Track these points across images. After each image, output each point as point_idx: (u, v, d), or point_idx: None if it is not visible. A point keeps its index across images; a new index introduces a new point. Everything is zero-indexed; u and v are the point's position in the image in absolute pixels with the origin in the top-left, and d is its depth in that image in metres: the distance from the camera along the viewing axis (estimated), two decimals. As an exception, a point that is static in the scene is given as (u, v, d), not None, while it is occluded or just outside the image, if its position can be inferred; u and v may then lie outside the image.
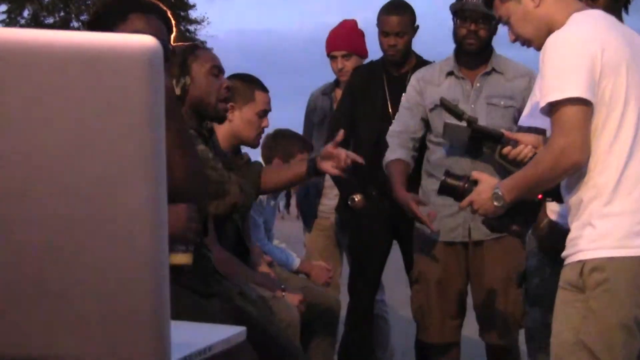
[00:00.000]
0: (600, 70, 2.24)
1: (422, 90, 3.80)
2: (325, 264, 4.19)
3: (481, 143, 3.34)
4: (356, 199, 4.14)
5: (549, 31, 2.37)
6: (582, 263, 2.27)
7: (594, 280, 2.25)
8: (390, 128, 3.88)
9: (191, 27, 29.71)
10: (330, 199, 4.58)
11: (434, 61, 4.18)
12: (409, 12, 4.14)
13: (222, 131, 3.52)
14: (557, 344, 2.31)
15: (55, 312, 1.10)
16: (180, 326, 1.27)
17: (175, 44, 2.98)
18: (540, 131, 2.95)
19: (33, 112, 1.04)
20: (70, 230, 1.07)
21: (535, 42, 2.46)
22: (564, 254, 2.34)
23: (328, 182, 4.53)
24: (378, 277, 4.25)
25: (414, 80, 3.86)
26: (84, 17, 28.67)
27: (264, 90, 3.65)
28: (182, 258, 2.46)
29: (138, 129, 1.02)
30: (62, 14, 28.98)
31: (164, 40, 2.39)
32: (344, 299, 4.21)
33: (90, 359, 1.11)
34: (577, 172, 2.28)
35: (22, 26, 28.83)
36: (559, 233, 2.65)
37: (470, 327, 3.89)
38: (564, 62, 2.26)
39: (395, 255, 4.25)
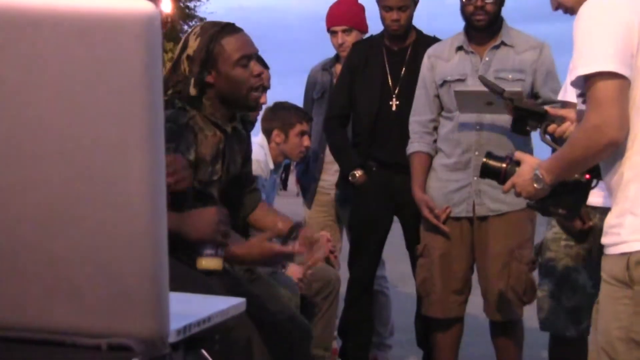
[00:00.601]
0: (637, 39, 2.06)
1: (433, 66, 3.79)
2: (326, 234, 4.19)
3: (524, 121, 3.14)
4: (357, 175, 4.13)
5: None
6: (627, 256, 2.08)
7: None
8: (411, 116, 3.88)
9: (191, 4, 29.56)
10: (330, 174, 4.56)
11: (434, 36, 4.16)
12: None
13: None
14: (607, 342, 2.12)
15: (53, 283, 1.10)
16: (179, 297, 1.26)
17: (202, 23, 2.89)
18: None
19: (31, 78, 1.03)
20: (67, 199, 1.06)
21: (576, 9, 2.25)
22: (604, 241, 2.18)
23: (328, 157, 4.52)
24: (379, 253, 4.24)
25: (425, 58, 3.86)
26: None
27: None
28: (211, 263, 2.44)
29: (136, 93, 1.01)
30: None
31: None
32: (344, 275, 4.21)
33: (87, 329, 1.11)
34: (614, 150, 2.10)
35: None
36: None
37: (476, 304, 3.89)
38: (596, 31, 2.09)
39: (396, 231, 4.24)
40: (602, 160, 2.20)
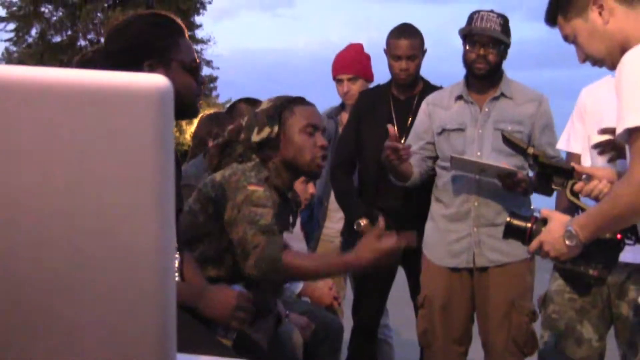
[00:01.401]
0: None
1: (431, 114, 3.81)
2: (329, 281, 4.18)
3: (550, 178, 2.97)
4: (362, 223, 4.13)
5: (623, 49, 2.18)
6: None
7: None
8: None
9: (198, 47, 29.81)
10: (334, 222, 4.56)
11: (441, 85, 4.19)
12: (419, 36, 4.15)
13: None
14: None
15: (57, 345, 1.09)
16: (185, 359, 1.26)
17: (274, 100, 2.97)
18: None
19: (43, 147, 1.04)
20: (75, 263, 1.07)
21: (607, 61, 2.26)
22: None
23: (333, 205, 4.52)
24: (383, 302, 4.23)
25: (424, 105, 3.87)
26: (90, 36, 28.79)
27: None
28: None
29: (147, 163, 1.03)
30: (69, 32, 29.11)
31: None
32: (348, 323, 4.19)
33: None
34: None
35: (29, 45, 28.95)
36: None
37: (478, 354, 3.87)
38: None
39: (399, 278, 4.23)
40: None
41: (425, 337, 3.80)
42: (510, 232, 2.50)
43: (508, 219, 2.53)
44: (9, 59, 28.38)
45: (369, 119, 4.23)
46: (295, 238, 3.68)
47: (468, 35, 3.69)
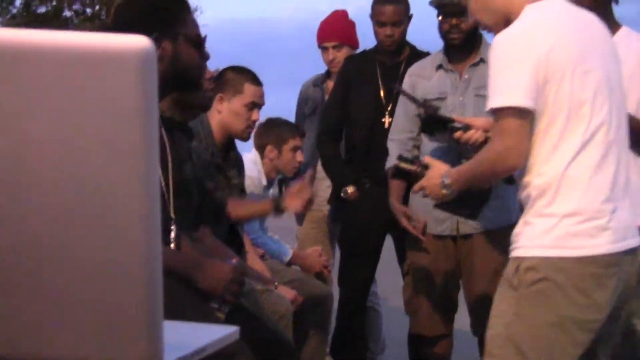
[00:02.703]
0: (544, 75, 2.23)
1: (414, 85, 3.79)
2: (318, 248, 4.20)
3: (434, 128, 3.39)
4: (349, 191, 4.13)
5: (507, 20, 2.35)
6: (520, 261, 2.29)
7: (528, 279, 2.25)
8: (390, 132, 3.87)
9: (184, 16, 29.57)
10: (322, 190, 4.56)
11: (427, 51, 4.16)
12: (404, 1, 4.12)
13: (214, 122, 3.51)
14: (489, 336, 2.33)
15: (46, 312, 1.10)
16: (172, 326, 1.26)
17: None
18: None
19: (28, 109, 1.04)
20: (62, 229, 1.07)
21: (494, 29, 2.45)
22: (510, 247, 2.37)
23: (320, 173, 4.52)
24: (372, 270, 4.24)
25: (407, 77, 3.85)
26: (76, 7, 28.54)
27: (255, 83, 3.63)
28: None
29: (132, 125, 1.02)
30: (54, 3, 28.85)
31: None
32: (336, 291, 4.20)
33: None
34: (514, 172, 2.36)
35: (13, 16, 28.69)
36: None
37: (465, 320, 3.89)
38: (507, 66, 2.26)
39: (387, 244, 4.24)
40: (502, 179, 2.58)
41: (410, 304, 3.82)
42: (399, 174, 2.89)
43: (396, 161, 2.86)
44: (-6, 30, 28.14)
45: (356, 85, 4.21)
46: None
47: (440, 6, 3.67)
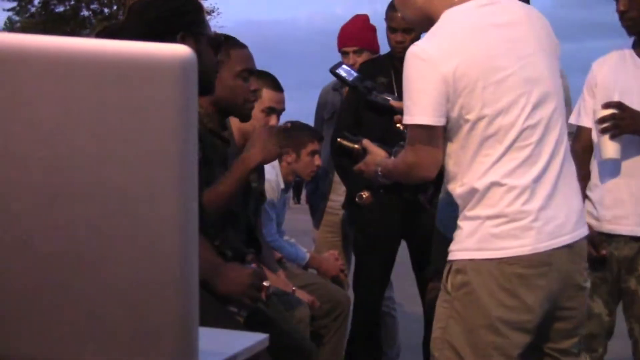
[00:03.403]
0: (454, 90, 2.24)
1: None
2: (335, 252, 4.19)
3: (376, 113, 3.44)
4: (364, 196, 4.11)
5: (430, 21, 2.37)
6: (450, 264, 2.32)
7: (457, 282, 2.28)
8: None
9: (201, 17, 29.65)
10: (339, 194, 4.56)
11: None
12: None
13: (235, 127, 3.52)
14: (431, 340, 2.36)
15: (80, 321, 1.10)
16: (204, 333, 1.27)
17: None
18: None
19: (66, 118, 1.03)
20: (100, 238, 1.06)
21: (418, 28, 2.48)
22: None
23: (337, 177, 4.51)
24: (386, 275, 4.23)
25: None
26: (94, 6, 28.65)
27: (274, 88, 3.63)
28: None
29: (170, 136, 1.02)
30: (72, 2, 28.97)
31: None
32: (352, 296, 4.20)
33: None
34: (427, 180, 2.45)
35: (32, 15, 28.83)
36: None
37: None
38: (416, 82, 2.30)
39: (404, 250, 4.24)
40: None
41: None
42: (340, 152, 2.84)
43: (338, 139, 2.87)
44: (12, 28, 28.28)
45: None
46: (300, 210, 3.68)
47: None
